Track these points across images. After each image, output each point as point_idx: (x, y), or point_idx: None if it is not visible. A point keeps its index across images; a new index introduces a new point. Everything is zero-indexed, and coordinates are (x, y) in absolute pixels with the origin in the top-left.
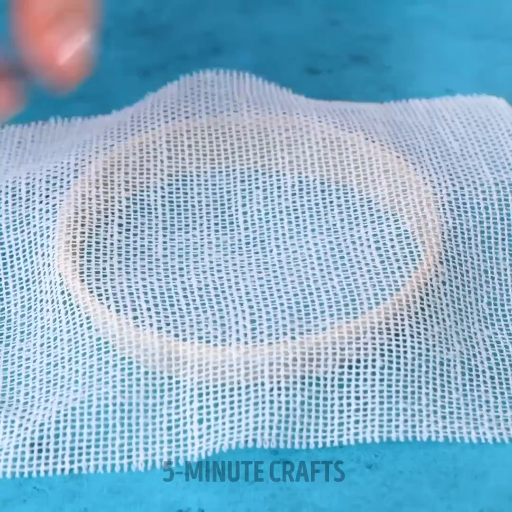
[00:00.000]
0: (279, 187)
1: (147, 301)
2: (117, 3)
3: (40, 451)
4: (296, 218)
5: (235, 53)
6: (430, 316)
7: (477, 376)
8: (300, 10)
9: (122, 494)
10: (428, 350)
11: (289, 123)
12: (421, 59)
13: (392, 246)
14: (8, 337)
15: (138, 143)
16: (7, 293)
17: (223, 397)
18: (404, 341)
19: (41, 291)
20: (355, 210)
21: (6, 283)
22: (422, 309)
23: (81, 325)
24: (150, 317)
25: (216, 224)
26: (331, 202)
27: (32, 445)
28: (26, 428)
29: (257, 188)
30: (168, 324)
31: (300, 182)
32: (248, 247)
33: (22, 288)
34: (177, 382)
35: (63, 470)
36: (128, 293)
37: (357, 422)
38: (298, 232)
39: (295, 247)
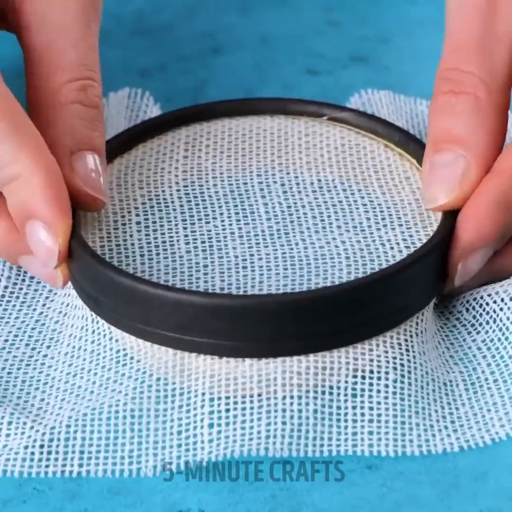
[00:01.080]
0: (297, 184)
1: None
2: (117, 4)
3: (49, 452)
4: (320, 213)
5: (235, 54)
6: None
7: (481, 386)
8: (299, 11)
9: (122, 494)
10: (432, 370)
11: (310, 129)
12: (421, 60)
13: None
14: (36, 340)
15: (156, 146)
16: (52, 300)
17: (235, 403)
18: (414, 357)
19: (76, 296)
20: (381, 211)
21: (51, 290)
22: (425, 329)
23: (104, 336)
24: None
25: (237, 213)
26: (355, 201)
27: (41, 446)
28: (37, 431)
29: (275, 182)
30: None
31: (319, 180)
32: (272, 239)
33: (64, 295)
34: (189, 386)
35: (71, 472)
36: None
37: (371, 433)
38: (323, 227)
39: (321, 242)
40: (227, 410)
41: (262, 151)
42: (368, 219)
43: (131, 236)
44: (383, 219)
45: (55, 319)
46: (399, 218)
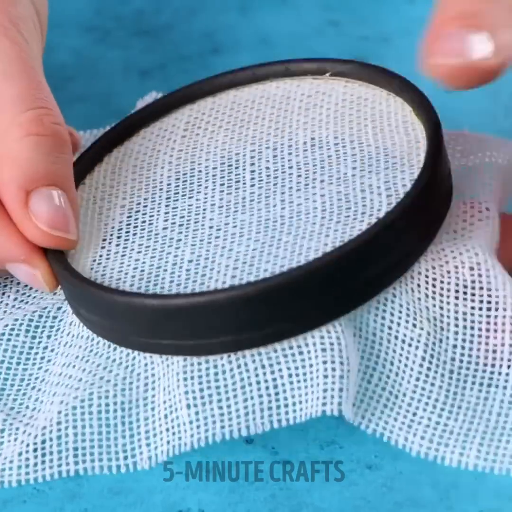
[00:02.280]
0: (290, 146)
1: (132, 285)
2: (117, 3)
3: (43, 455)
4: (306, 171)
5: (235, 54)
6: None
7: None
8: (299, 11)
9: (122, 494)
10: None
11: (313, 89)
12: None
13: (405, 193)
14: (36, 327)
15: (157, 129)
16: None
17: (208, 381)
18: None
19: None
20: (370, 158)
21: None
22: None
23: None
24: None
25: (222, 184)
26: (344, 153)
27: (35, 450)
28: (29, 434)
29: (267, 148)
30: None
31: (313, 139)
32: (251, 205)
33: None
34: (167, 366)
35: (68, 471)
36: (116, 279)
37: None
38: (306, 184)
39: (301, 200)
40: (201, 390)
41: (261, 119)
42: (354, 168)
43: (113, 219)
44: (370, 165)
45: (58, 305)
46: (387, 162)
